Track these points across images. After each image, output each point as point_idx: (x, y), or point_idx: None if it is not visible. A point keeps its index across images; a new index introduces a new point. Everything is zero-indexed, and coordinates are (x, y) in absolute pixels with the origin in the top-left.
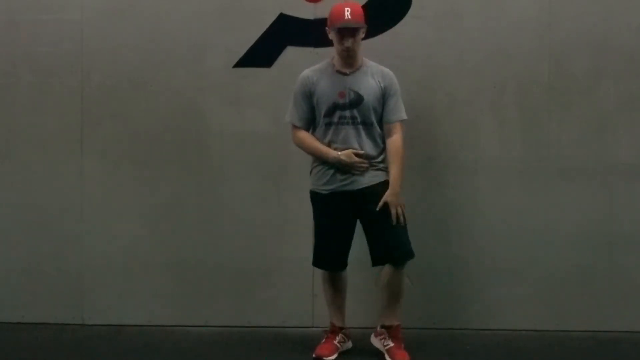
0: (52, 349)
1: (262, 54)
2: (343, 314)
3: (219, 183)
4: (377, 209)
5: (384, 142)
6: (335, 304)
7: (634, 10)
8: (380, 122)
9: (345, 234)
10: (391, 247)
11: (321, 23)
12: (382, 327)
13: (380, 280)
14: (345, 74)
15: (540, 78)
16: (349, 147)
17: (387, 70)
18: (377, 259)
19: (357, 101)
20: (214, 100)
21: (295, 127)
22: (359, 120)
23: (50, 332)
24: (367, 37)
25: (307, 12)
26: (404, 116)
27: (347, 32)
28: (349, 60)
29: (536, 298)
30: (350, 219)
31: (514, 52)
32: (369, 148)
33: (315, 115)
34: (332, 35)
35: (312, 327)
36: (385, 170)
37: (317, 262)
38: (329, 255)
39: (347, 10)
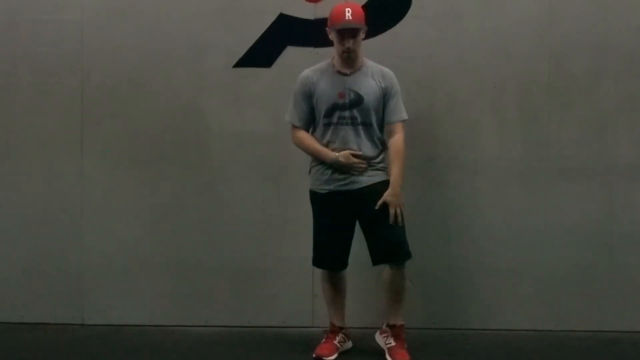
0: (52, 349)
1: (262, 54)
2: (343, 314)
3: (219, 183)
4: (376, 208)
5: (382, 143)
6: (335, 303)
7: (634, 10)
8: (380, 123)
9: (344, 233)
10: (390, 246)
11: (321, 23)
12: (387, 325)
13: (381, 280)
14: (345, 75)
15: (540, 78)
16: (348, 147)
17: (387, 70)
18: (377, 259)
19: (357, 102)
20: (214, 100)
21: (294, 127)
22: (358, 120)
23: (50, 332)
24: (367, 37)
25: (307, 12)
26: (405, 116)
27: (347, 32)
28: (349, 60)
29: (536, 298)
30: (350, 219)
31: (514, 52)
32: (367, 149)
33: (315, 115)
34: (332, 36)
35: (312, 327)
36: (384, 170)
37: (316, 262)
38: (329, 255)
39: (348, 11)
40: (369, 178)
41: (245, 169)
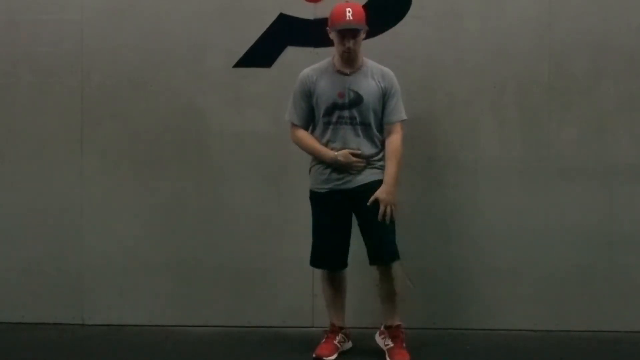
0: (52, 349)
1: (262, 54)
2: (343, 314)
3: (219, 183)
4: (368, 204)
5: (382, 143)
6: (335, 303)
7: (634, 10)
8: (379, 122)
9: (343, 233)
10: (376, 247)
11: (321, 23)
12: (384, 327)
13: (374, 282)
14: (345, 74)
15: (540, 78)
16: (347, 147)
17: (387, 70)
18: (369, 258)
19: (357, 101)
20: (214, 100)
21: (294, 125)
22: (357, 120)
23: (50, 332)
24: (367, 37)
25: (307, 12)
26: (404, 116)
27: (348, 32)
28: (350, 60)
29: (536, 298)
30: (348, 218)
31: (514, 52)
32: (366, 148)
33: (314, 114)
34: (332, 36)
35: (312, 327)
36: (382, 169)
37: (314, 262)
38: (328, 255)
39: (349, 11)
40: (366, 177)
41: (245, 169)
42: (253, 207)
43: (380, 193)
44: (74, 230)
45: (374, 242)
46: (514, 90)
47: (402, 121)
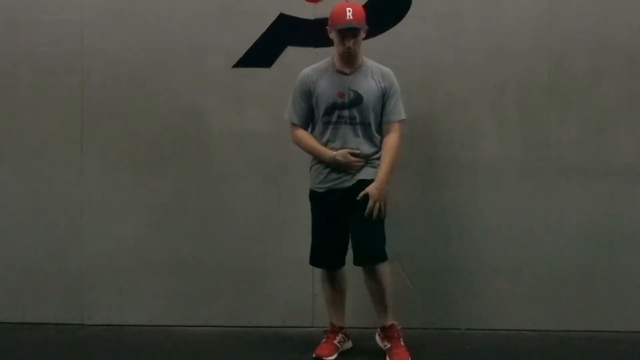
0: (52, 349)
1: (262, 54)
2: (343, 314)
3: (219, 183)
4: (358, 198)
5: (381, 142)
6: (335, 303)
7: (634, 10)
8: (379, 122)
9: (341, 232)
10: (360, 246)
11: (321, 23)
12: (379, 328)
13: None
14: (345, 74)
15: (540, 78)
16: (346, 146)
17: (387, 69)
18: (353, 258)
19: (357, 101)
20: (214, 100)
21: (293, 125)
22: (357, 120)
23: (50, 332)
24: (367, 37)
25: (307, 12)
26: (403, 116)
27: (348, 32)
28: (350, 60)
29: (536, 298)
30: (346, 217)
31: (514, 52)
32: (365, 148)
33: (314, 113)
34: (332, 36)
35: (312, 327)
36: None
37: (313, 261)
38: (326, 254)
39: (349, 11)
40: (364, 175)
41: (245, 169)
42: (253, 207)
43: (370, 188)
44: (74, 230)
45: (359, 241)
46: (514, 90)
47: (402, 121)
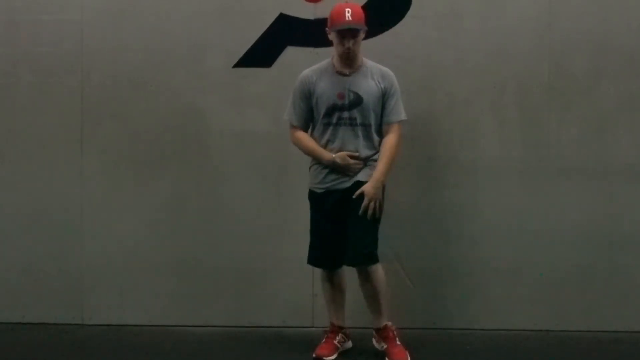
0: (52, 349)
1: (262, 54)
2: (343, 314)
3: (219, 183)
4: (354, 196)
5: (380, 144)
6: (335, 303)
7: (634, 10)
8: (379, 123)
9: (339, 232)
10: (352, 247)
11: (321, 23)
12: (374, 330)
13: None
14: (345, 75)
15: (540, 78)
16: (346, 148)
17: (386, 70)
18: (345, 258)
19: (357, 102)
20: (214, 100)
21: (293, 126)
22: (357, 121)
23: (50, 332)
24: (367, 37)
25: (307, 12)
26: (403, 117)
27: (347, 33)
28: (349, 61)
29: (536, 298)
30: (344, 217)
31: (514, 52)
32: (365, 150)
33: (313, 115)
34: (332, 36)
35: (312, 327)
36: None
37: (311, 261)
38: (324, 253)
39: (348, 12)
40: (362, 175)
41: (245, 169)
42: (253, 207)
43: (365, 187)
44: (74, 230)
45: (351, 241)
46: (514, 90)
47: (402, 121)
